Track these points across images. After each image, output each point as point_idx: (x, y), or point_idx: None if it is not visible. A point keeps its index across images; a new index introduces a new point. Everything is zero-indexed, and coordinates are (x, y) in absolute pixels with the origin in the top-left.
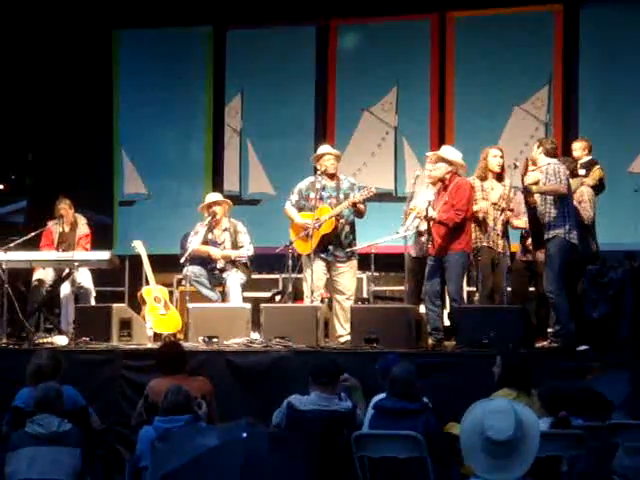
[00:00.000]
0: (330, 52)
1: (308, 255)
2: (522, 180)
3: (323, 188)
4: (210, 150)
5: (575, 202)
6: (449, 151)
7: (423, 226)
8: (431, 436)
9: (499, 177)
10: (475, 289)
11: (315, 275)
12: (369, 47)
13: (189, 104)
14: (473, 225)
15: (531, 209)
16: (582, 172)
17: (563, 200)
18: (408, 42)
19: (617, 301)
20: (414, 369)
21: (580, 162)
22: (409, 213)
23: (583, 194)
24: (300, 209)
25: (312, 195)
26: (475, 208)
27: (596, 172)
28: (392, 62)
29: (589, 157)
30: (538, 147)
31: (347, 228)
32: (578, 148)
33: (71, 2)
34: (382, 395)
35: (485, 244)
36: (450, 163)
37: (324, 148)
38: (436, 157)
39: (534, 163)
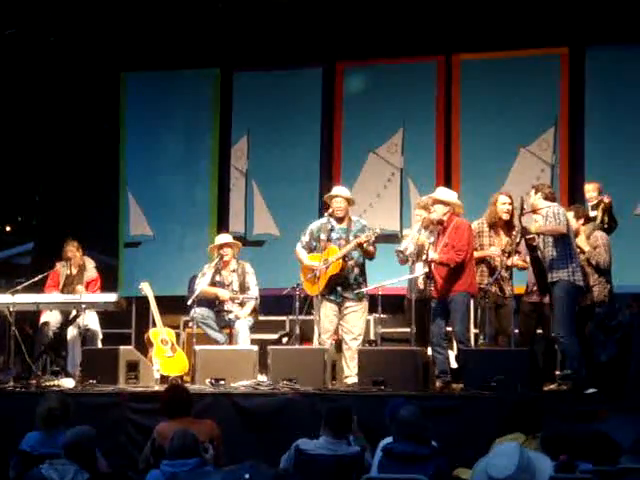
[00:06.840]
0: (336, 94)
1: (318, 297)
2: (519, 220)
3: (332, 229)
4: (215, 191)
5: (590, 247)
6: (444, 192)
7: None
8: None
9: (508, 224)
10: (478, 331)
11: (326, 318)
12: (375, 89)
13: (195, 145)
14: (482, 268)
15: (533, 252)
16: (593, 214)
17: (564, 242)
18: (414, 84)
19: (625, 344)
20: (420, 411)
21: (590, 204)
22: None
23: (597, 239)
24: (311, 250)
25: (323, 236)
26: (486, 253)
27: (601, 205)
28: (398, 104)
29: (599, 198)
30: (536, 192)
31: (356, 270)
32: (591, 190)
33: (79, 45)
34: (389, 439)
35: (492, 288)
36: (446, 204)
37: (336, 189)
38: (432, 200)
39: (534, 210)
